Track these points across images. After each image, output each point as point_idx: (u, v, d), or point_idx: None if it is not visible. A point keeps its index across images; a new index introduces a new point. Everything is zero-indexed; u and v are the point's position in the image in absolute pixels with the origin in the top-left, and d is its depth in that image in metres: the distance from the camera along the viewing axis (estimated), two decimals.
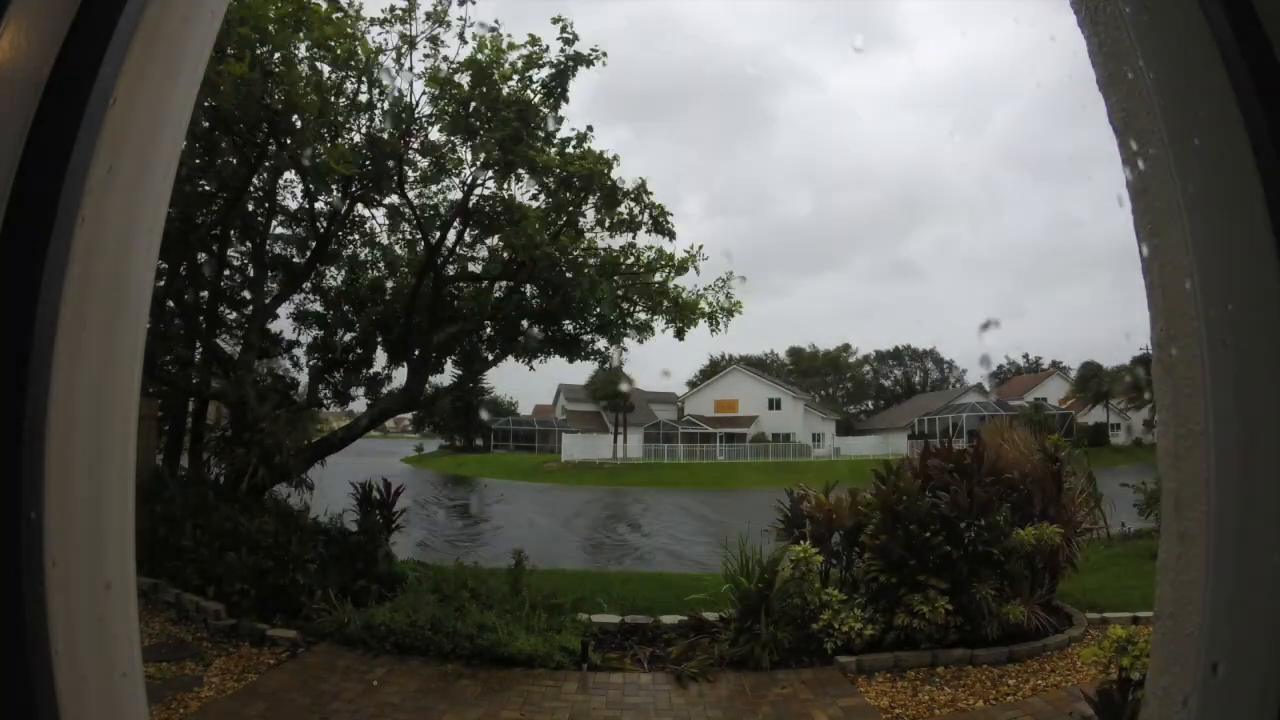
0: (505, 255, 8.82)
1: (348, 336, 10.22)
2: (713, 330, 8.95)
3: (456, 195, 8.60)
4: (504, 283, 9.16)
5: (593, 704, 5.13)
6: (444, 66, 7.71)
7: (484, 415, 47.18)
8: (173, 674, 5.23)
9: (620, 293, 8.70)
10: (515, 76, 7.64)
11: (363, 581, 6.69)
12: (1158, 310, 0.87)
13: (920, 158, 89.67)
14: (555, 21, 7.61)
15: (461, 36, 7.69)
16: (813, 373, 65.60)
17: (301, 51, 7.31)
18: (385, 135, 7.86)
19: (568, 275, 8.29)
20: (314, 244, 9.18)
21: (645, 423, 45.75)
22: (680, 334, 8.86)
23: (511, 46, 7.70)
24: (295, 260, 10.00)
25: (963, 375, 63.99)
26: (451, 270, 9.27)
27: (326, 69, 7.64)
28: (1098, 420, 39.99)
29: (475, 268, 9.38)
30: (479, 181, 8.22)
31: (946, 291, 78.27)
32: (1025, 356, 62.82)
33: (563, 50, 7.70)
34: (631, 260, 8.71)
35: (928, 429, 42.84)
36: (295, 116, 7.01)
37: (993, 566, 5.90)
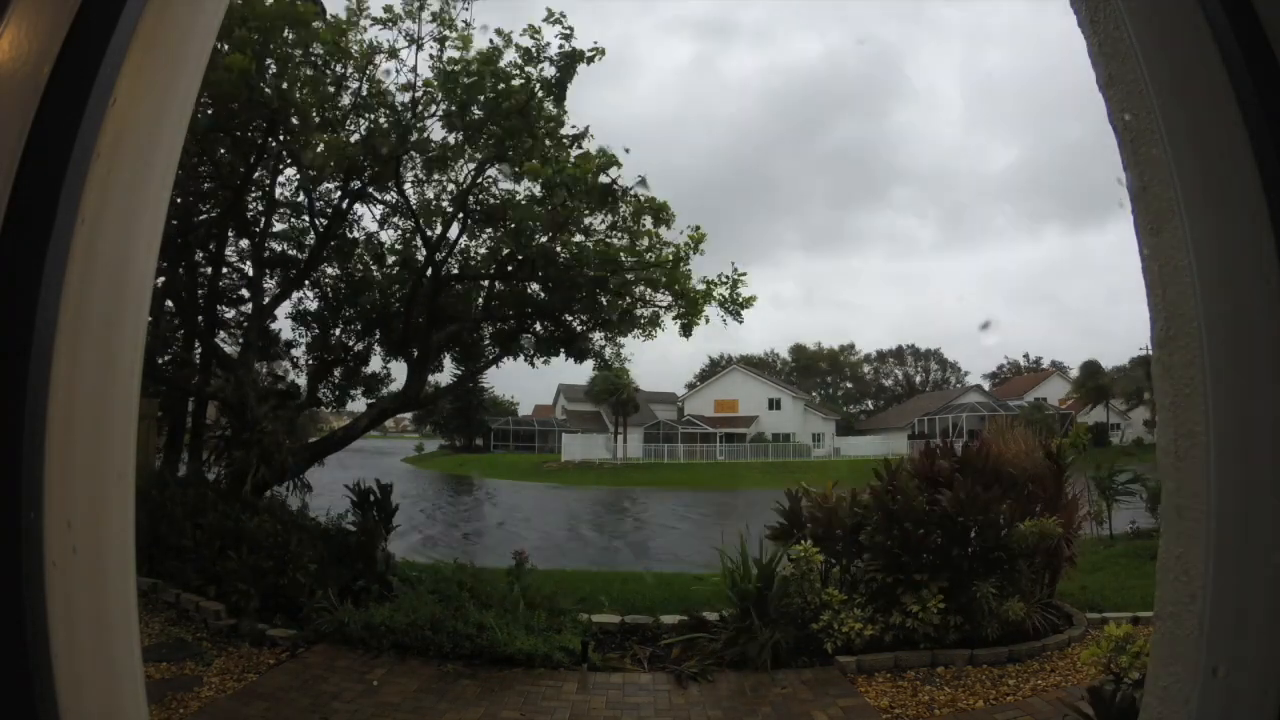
0: (504, 252, 8.81)
1: (350, 339, 10.22)
2: (726, 322, 8.76)
3: (456, 192, 8.60)
4: (499, 281, 9.15)
5: (593, 704, 5.13)
6: (446, 64, 7.69)
7: (484, 415, 47.21)
8: (173, 674, 5.23)
9: (627, 285, 8.61)
10: (516, 73, 7.60)
11: (362, 581, 6.69)
12: (1158, 310, 0.87)
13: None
14: (549, 19, 7.57)
15: (444, 42, 7.66)
16: (813, 372, 65.63)
17: (298, 53, 7.30)
18: (384, 132, 7.86)
19: (569, 271, 8.25)
20: (313, 242, 9.18)
21: (645, 423, 45.74)
22: (687, 330, 8.63)
23: (507, 42, 7.67)
24: (295, 256, 10.00)
25: (964, 376, 64.10)
26: (453, 269, 9.26)
27: (320, 67, 7.63)
28: (1098, 420, 40.00)
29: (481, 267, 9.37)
30: (478, 180, 8.22)
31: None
32: (1025, 356, 62.95)
33: (560, 48, 7.67)
34: (640, 252, 8.61)
35: (928, 429, 42.85)
36: (292, 113, 7.01)
37: (993, 565, 5.90)
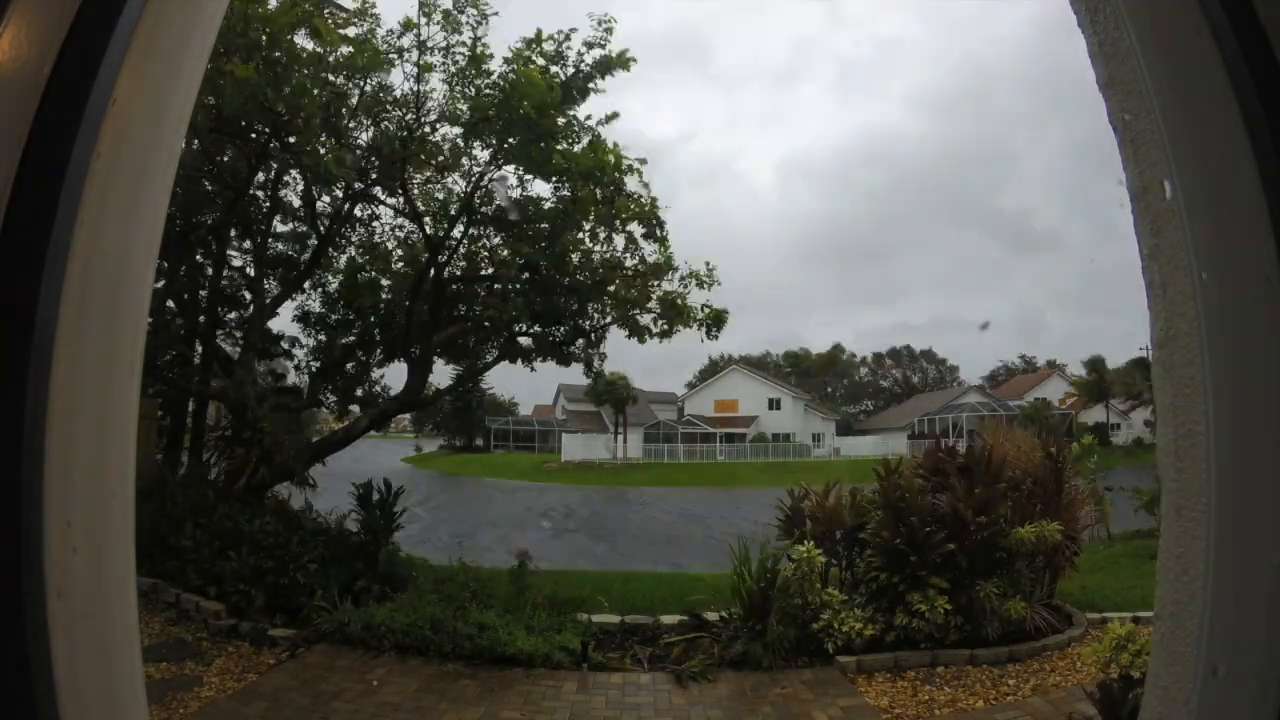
0: (516, 260, 8.85)
1: (349, 337, 10.20)
2: (705, 338, 9.15)
3: (462, 193, 8.62)
4: (514, 285, 9.18)
5: (593, 704, 5.13)
6: (460, 62, 7.71)
7: (484, 415, 47.19)
8: (173, 674, 5.23)
9: (624, 294, 8.75)
10: (539, 72, 7.61)
11: (363, 581, 6.69)
12: (1158, 310, 0.87)
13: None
14: (596, 19, 7.69)
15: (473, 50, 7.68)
16: (810, 374, 65.65)
17: (307, 54, 7.28)
18: (390, 136, 7.85)
19: (573, 279, 8.37)
20: (316, 243, 9.17)
21: (645, 423, 45.70)
22: (666, 334, 9.04)
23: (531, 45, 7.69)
24: (297, 258, 9.99)
25: (957, 376, 64.04)
26: (457, 270, 9.26)
27: (331, 74, 7.63)
28: (1098, 420, 39.95)
29: (482, 268, 9.38)
30: (488, 178, 8.25)
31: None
32: (1021, 357, 62.90)
33: (590, 47, 7.71)
34: (634, 264, 8.76)
35: (927, 429, 42.84)
36: (298, 117, 6.99)
37: (995, 565, 5.91)
